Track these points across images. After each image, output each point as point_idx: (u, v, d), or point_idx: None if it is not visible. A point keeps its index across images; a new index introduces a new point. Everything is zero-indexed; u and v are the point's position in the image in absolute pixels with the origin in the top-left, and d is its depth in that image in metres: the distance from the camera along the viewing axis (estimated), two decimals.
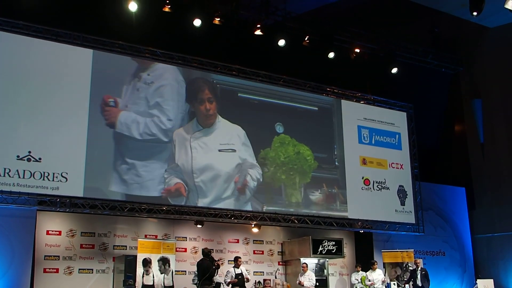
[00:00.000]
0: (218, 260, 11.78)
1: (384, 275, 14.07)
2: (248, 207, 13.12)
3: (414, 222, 15.73)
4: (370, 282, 13.62)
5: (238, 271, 12.01)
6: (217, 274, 11.48)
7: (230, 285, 11.93)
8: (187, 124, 12.74)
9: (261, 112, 13.71)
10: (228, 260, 13.48)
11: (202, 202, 12.53)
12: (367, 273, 13.87)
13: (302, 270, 13.04)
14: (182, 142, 12.53)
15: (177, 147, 12.45)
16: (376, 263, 13.99)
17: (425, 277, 13.51)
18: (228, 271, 12.09)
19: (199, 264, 11.31)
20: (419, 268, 13.64)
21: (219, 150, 12.86)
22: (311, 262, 13.86)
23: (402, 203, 15.74)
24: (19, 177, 10.76)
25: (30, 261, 11.03)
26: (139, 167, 12.01)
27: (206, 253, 11.38)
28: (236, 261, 12.15)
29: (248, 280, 12.03)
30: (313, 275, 13.12)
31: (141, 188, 11.99)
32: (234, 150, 13.02)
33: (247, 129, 13.36)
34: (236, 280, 11.85)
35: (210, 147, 12.81)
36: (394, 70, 16.00)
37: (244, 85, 13.60)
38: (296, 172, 13.92)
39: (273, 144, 13.68)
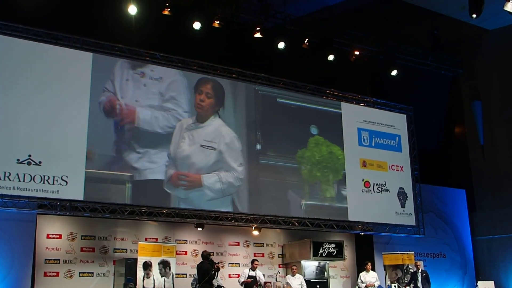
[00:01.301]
0: (218, 263, 11.77)
1: (385, 278, 14.06)
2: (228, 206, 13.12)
3: (414, 224, 15.72)
4: (364, 285, 13.56)
5: (252, 273, 12.09)
6: (217, 277, 11.48)
7: (243, 285, 12.01)
8: (190, 117, 12.95)
9: (297, 116, 14.58)
10: (229, 263, 13.50)
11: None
12: (361, 274, 13.81)
13: (292, 272, 13.07)
14: (178, 132, 12.68)
15: (173, 136, 12.62)
16: (369, 264, 13.90)
17: (425, 280, 13.50)
18: (243, 271, 12.26)
19: (199, 267, 11.33)
20: (420, 271, 13.62)
21: (201, 145, 12.97)
22: (312, 264, 13.86)
23: (403, 205, 15.74)
24: (19, 180, 10.77)
25: (31, 265, 11.03)
26: (152, 154, 12.33)
27: (206, 256, 11.39)
28: (252, 264, 12.27)
29: (262, 286, 12.07)
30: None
31: (154, 173, 12.29)
32: (214, 149, 13.09)
33: (286, 131, 14.17)
34: (250, 280, 11.95)
35: (195, 140, 12.90)
36: (394, 73, 16.01)
37: (283, 91, 14.43)
38: (329, 170, 14.79)
39: (309, 145, 14.51)
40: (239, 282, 12.14)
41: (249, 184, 13.47)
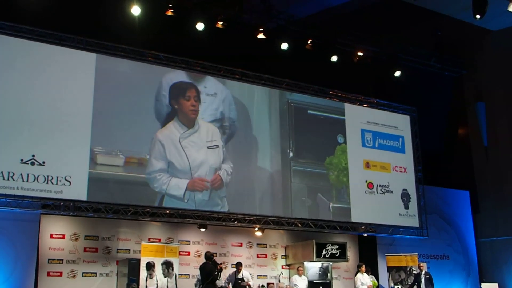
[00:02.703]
0: (221, 264, 11.78)
1: (388, 279, 14.03)
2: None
3: (418, 226, 15.69)
4: (365, 286, 13.48)
5: (239, 275, 12.05)
6: (220, 277, 11.48)
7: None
8: (167, 125, 12.71)
9: (326, 126, 15.19)
10: (232, 264, 13.47)
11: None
12: (359, 276, 13.63)
13: (298, 272, 13.04)
14: (169, 142, 12.58)
15: (166, 147, 12.52)
16: (363, 266, 13.75)
17: (429, 281, 13.44)
18: (229, 275, 12.17)
19: (202, 268, 11.34)
20: (423, 272, 13.57)
21: (208, 147, 13.07)
22: (315, 265, 13.85)
23: (406, 207, 15.71)
24: (23, 180, 10.78)
25: (34, 265, 11.08)
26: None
27: (209, 256, 11.40)
28: (237, 267, 12.18)
29: (250, 287, 12.02)
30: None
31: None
32: (217, 146, 13.24)
33: (315, 139, 14.82)
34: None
35: (199, 144, 12.97)
36: (397, 74, 16.03)
37: (313, 103, 15.05)
38: None
39: (336, 152, 15.05)
40: (224, 286, 11.97)
41: (283, 188, 13.99)
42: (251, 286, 12.12)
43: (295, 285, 12.89)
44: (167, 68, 12.94)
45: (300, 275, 13.04)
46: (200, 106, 13.15)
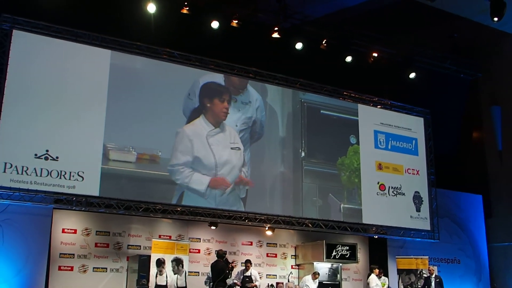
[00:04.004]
0: (232, 262, 11.81)
1: (398, 282, 13.97)
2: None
3: (429, 229, 15.61)
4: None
5: (247, 273, 12.11)
6: (231, 276, 11.52)
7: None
8: (194, 121, 12.90)
9: (338, 126, 15.16)
10: (241, 263, 13.46)
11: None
12: (374, 277, 13.64)
13: (314, 277, 13.01)
14: (197, 138, 12.76)
15: (194, 142, 12.69)
16: (376, 268, 13.76)
17: (439, 285, 13.40)
18: (237, 272, 12.20)
19: (213, 266, 11.39)
20: (433, 276, 13.52)
21: (231, 148, 13.25)
22: (325, 266, 13.83)
23: (418, 210, 15.62)
24: (37, 175, 10.89)
25: (46, 259, 11.19)
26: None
27: (221, 255, 11.47)
28: (246, 265, 12.32)
29: (257, 287, 12.04)
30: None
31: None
32: (239, 149, 13.36)
33: (327, 140, 14.80)
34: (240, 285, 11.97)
35: (224, 144, 13.12)
36: (412, 75, 15.92)
37: (326, 103, 15.01)
38: None
39: (348, 153, 15.03)
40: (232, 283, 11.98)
41: (294, 188, 13.99)
42: (258, 286, 12.12)
43: (306, 285, 12.86)
44: (183, 66, 13.00)
45: (314, 279, 13.00)
46: (233, 113, 13.37)
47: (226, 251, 12.05)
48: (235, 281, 11.98)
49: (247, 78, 13.77)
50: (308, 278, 13.07)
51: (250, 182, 13.30)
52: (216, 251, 12.14)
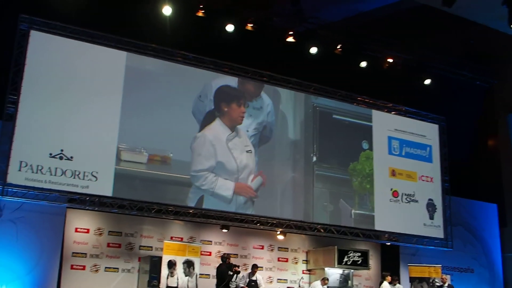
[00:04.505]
0: (238, 267, 11.79)
1: None
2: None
3: (442, 237, 15.46)
4: None
5: (253, 277, 12.13)
6: (236, 279, 11.52)
7: None
8: (211, 125, 12.95)
9: (351, 131, 15.09)
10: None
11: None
12: (387, 285, 13.56)
13: (323, 282, 12.95)
14: (218, 142, 12.86)
15: (216, 147, 12.78)
16: (388, 276, 13.66)
17: None
18: (243, 275, 12.18)
19: (217, 269, 11.57)
20: (446, 284, 13.41)
21: (246, 151, 13.32)
22: (336, 272, 13.76)
23: (431, 217, 15.50)
24: (51, 174, 10.99)
25: (58, 257, 11.26)
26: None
27: (223, 258, 11.55)
28: (253, 269, 12.33)
29: None
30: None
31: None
32: (251, 152, 13.42)
33: (339, 144, 14.73)
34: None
35: (241, 148, 13.21)
36: (427, 82, 15.84)
37: (338, 107, 14.95)
38: None
39: (360, 158, 14.96)
40: (238, 287, 11.97)
41: (305, 192, 13.99)
42: None
43: None
44: (197, 69, 13.05)
45: (323, 285, 12.94)
46: (246, 118, 13.43)
47: (235, 254, 12.06)
48: (242, 284, 11.94)
49: (261, 81, 13.79)
50: (317, 284, 13.01)
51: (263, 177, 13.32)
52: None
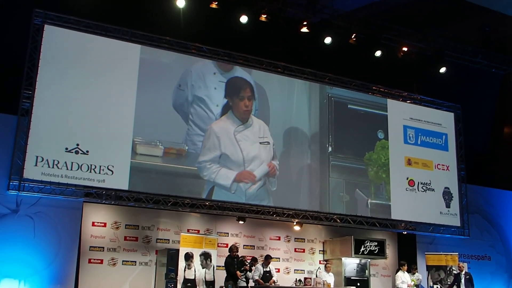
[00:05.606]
0: (246, 265, 11.75)
1: (427, 278, 13.84)
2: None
3: (459, 225, 15.37)
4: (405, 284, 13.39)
5: (267, 268, 12.11)
6: (245, 273, 11.53)
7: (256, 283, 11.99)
8: (222, 118, 12.94)
9: (366, 121, 15.00)
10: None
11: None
12: (403, 274, 13.60)
13: (326, 269, 13.03)
14: (224, 134, 12.79)
15: (221, 139, 12.72)
16: (405, 265, 13.75)
17: (469, 282, 13.22)
18: (257, 267, 12.12)
19: (224, 262, 11.61)
20: (463, 272, 13.35)
21: (260, 143, 13.26)
22: (353, 262, 13.76)
23: (448, 205, 15.41)
24: (67, 169, 11.01)
25: (76, 251, 11.29)
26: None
27: (230, 249, 11.72)
28: (266, 260, 12.23)
29: (274, 282, 12.00)
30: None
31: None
32: (268, 143, 13.38)
33: (355, 134, 14.70)
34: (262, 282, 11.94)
35: (253, 139, 13.14)
36: (443, 70, 15.67)
37: (353, 97, 14.87)
38: None
39: (376, 148, 14.90)
40: (252, 279, 11.89)
41: (321, 183, 13.93)
42: (275, 281, 12.10)
43: (324, 281, 12.82)
44: (211, 61, 13.01)
45: (327, 272, 13.01)
46: (255, 103, 13.33)
47: (237, 246, 12.02)
48: (256, 277, 11.91)
49: (276, 73, 13.70)
50: (324, 273, 13.02)
51: (272, 170, 13.26)
52: None
